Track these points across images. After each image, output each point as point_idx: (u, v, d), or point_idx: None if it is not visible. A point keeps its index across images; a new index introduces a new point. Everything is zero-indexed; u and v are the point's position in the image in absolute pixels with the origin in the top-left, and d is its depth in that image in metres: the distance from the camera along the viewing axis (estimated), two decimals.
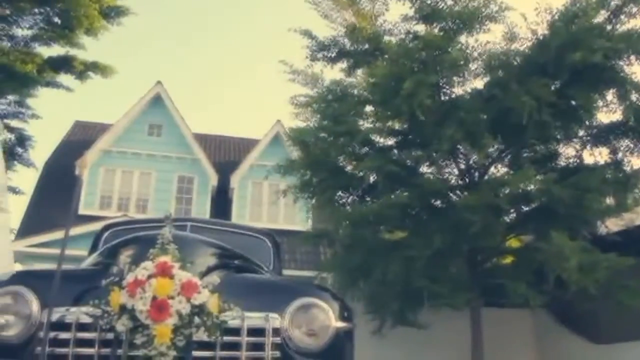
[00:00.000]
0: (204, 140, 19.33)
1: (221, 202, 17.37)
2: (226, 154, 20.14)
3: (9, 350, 2.78)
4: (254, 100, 52.27)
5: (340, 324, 3.06)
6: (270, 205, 16.55)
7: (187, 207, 16.90)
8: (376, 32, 10.33)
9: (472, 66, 9.07)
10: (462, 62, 8.73)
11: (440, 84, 8.97)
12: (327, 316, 2.99)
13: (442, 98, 9.18)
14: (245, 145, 20.09)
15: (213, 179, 17.45)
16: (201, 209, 16.84)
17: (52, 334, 2.68)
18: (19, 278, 2.90)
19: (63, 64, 12.80)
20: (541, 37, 8.51)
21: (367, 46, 10.51)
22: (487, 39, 9.17)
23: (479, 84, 9.25)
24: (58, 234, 13.88)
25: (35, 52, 12.69)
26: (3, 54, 12.01)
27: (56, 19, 12.47)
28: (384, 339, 9.32)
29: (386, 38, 10.25)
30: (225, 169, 18.03)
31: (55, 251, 13.11)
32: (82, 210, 15.57)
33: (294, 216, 16.12)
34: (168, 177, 17.30)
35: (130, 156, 17.17)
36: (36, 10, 12.30)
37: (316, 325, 2.96)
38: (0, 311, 2.80)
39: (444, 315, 9.35)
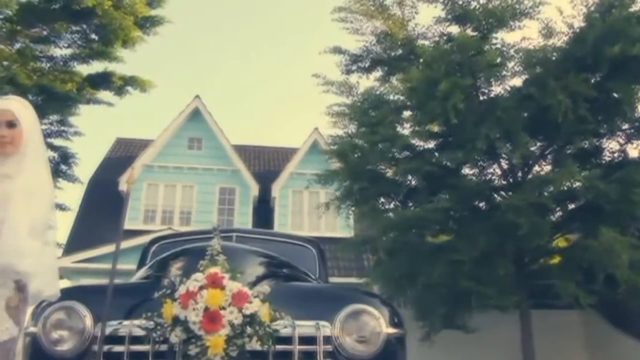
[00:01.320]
0: (243, 151, 19.51)
1: (262, 211, 17.47)
2: (265, 164, 20.28)
3: None
4: (290, 109, 52.56)
5: (392, 330, 3.03)
6: (311, 214, 16.58)
7: (229, 218, 17.05)
8: (409, 37, 10.31)
9: (509, 64, 8.96)
10: (498, 62, 8.63)
11: (477, 85, 8.88)
12: (378, 322, 2.96)
13: (480, 98, 9.09)
14: (283, 155, 20.20)
15: (254, 189, 17.58)
16: (243, 219, 16.97)
17: (105, 347, 2.73)
18: (72, 293, 2.95)
19: (102, 81, 13.05)
20: (578, 31, 8.36)
21: (400, 52, 10.51)
22: (523, 35, 9.05)
23: (518, 82, 9.15)
24: (103, 249, 14.16)
25: (75, 70, 12.98)
26: (42, 75, 12.32)
27: (93, 35, 12.73)
28: (432, 344, 9.23)
29: (420, 42, 10.23)
30: (265, 179, 18.15)
31: (101, 266, 13.40)
32: (126, 225, 15.83)
33: (336, 223, 16.11)
34: (210, 189, 17.50)
35: (172, 170, 17.44)
36: (72, 28, 12.58)
37: (367, 332, 2.94)
38: (54, 326, 2.86)
39: (493, 319, 9.21)
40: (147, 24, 12.87)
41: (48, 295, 2.67)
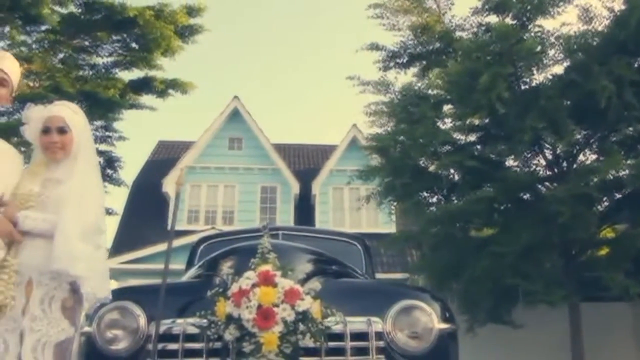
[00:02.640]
0: (283, 150, 19.60)
1: (304, 209, 17.54)
2: (305, 162, 20.35)
3: None
4: (328, 106, 52.58)
5: (443, 325, 3.00)
6: (352, 210, 16.56)
7: (271, 217, 17.16)
8: (446, 30, 10.21)
9: (550, 52, 8.79)
10: (538, 49, 8.48)
11: (519, 74, 8.74)
12: (430, 318, 2.94)
13: (522, 88, 8.94)
14: (323, 152, 20.22)
15: (295, 187, 17.65)
16: (285, 217, 17.06)
17: (160, 346, 2.77)
18: (125, 293, 3.01)
19: (144, 86, 13.32)
20: (618, 14, 8.16)
21: (438, 45, 10.41)
22: (563, 21, 8.84)
23: (559, 69, 8.97)
24: (147, 251, 14.44)
25: (117, 77, 13.28)
26: (86, 83, 12.63)
27: (134, 44, 13.01)
28: (479, 340, 9.11)
29: (457, 34, 10.12)
30: (305, 177, 18.21)
31: (146, 267, 13.66)
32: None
33: (378, 219, 16.06)
34: (251, 188, 17.66)
35: (214, 171, 17.65)
36: (113, 38, 12.88)
37: (419, 328, 2.92)
38: (109, 326, 2.92)
39: (540, 313, 9.03)
40: (186, 32, 13.09)
41: (100, 297, 2.74)
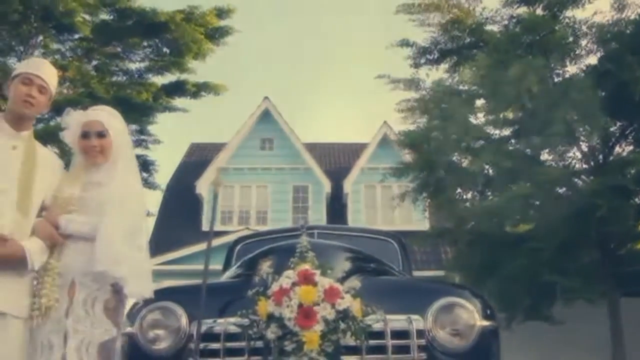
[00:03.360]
0: (314, 149, 19.63)
1: (336, 208, 17.54)
2: (336, 160, 20.34)
3: None
4: (358, 104, 52.48)
5: (485, 323, 2.96)
6: (385, 208, 16.50)
7: (303, 216, 17.19)
8: (477, 23, 10.12)
9: (582, 42, 8.65)
10: (570, 40, 8.35)
11: (551, 66, 8.61)
12: (471, 315, 2.90)
13: (555, 80, 8.81)
14: (353, 150, 20.18)
15: (327, 186, 17.67)
16: (317, 216, 17.08)
17: (201, 345, 2.79)
18: (166, 294, 3.04)
19: (176, 89, 13.52)
20: None
21: (468, 40, 10.32)
22: (595, 9, 8.70)
23: (592, 60, 8.82)
24: (182, 252, 14.59)
25: (150, 82, 13.49)
26: (120, 88, 12.85)
27: (165, 49, 13.21)
28: (516, 338, 8.97)
29: (488, 27, 10.02)
30: (337, 175, 18.22)
31: (181, 267, 13.80)
32: (205, 227, 16.30)
33: (410, 216, 15.96)
34: (283, 188, 17.73)
35: (247, 171, 17.77)
36: (145, 43, 13.08)
37: (461, 325, 2.88)
38: (151, 326, 2.96)
39: (579, 310, 8.87)
40: (216, 34, 13.22)
41: (142, 297, 2.77)
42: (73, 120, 2.91)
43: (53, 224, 2.68)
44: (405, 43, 10.51)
